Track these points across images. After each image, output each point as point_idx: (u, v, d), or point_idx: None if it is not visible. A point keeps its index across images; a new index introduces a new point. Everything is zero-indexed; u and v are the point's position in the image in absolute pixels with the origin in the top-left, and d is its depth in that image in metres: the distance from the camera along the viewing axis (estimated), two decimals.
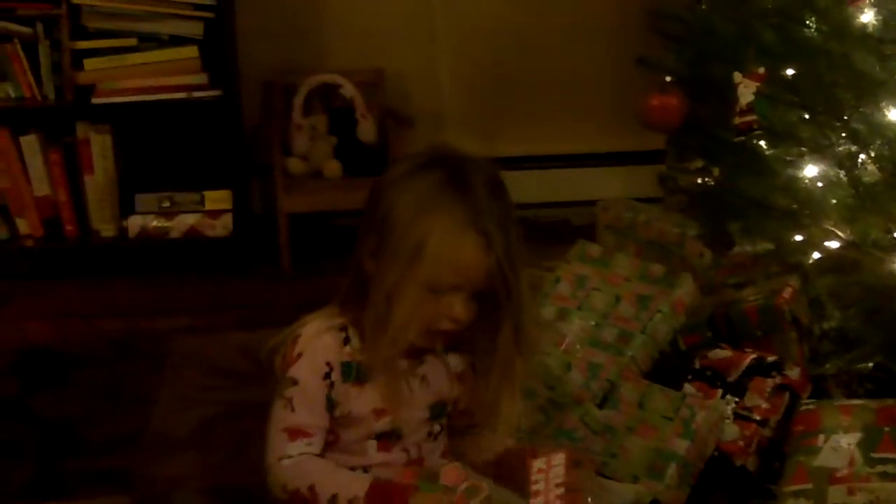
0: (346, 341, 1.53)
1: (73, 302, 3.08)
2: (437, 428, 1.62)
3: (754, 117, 1.92)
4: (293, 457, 1.51)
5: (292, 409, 1.52)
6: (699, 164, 2.30)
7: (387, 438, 1.57)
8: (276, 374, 1.56)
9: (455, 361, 1.62)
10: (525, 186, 3.50)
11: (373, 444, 1.56)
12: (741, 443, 1.98)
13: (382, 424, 1.55)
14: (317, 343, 1.53)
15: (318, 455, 1.53)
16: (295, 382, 1.52)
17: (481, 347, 1.57)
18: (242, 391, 2.47)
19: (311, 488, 1.48)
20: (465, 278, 1.48)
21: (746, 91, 1.89)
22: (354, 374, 1.53)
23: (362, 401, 1.54)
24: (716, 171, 2.23)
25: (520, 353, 1.56)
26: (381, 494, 1.46)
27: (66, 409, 2.47)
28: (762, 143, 2.01)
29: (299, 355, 1.53)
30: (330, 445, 1.56)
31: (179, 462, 2.24)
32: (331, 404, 1.53)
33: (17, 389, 2.57)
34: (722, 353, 2.11)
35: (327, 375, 1.52)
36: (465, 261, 1.47)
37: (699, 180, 2.29)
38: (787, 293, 2.16)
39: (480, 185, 1.48)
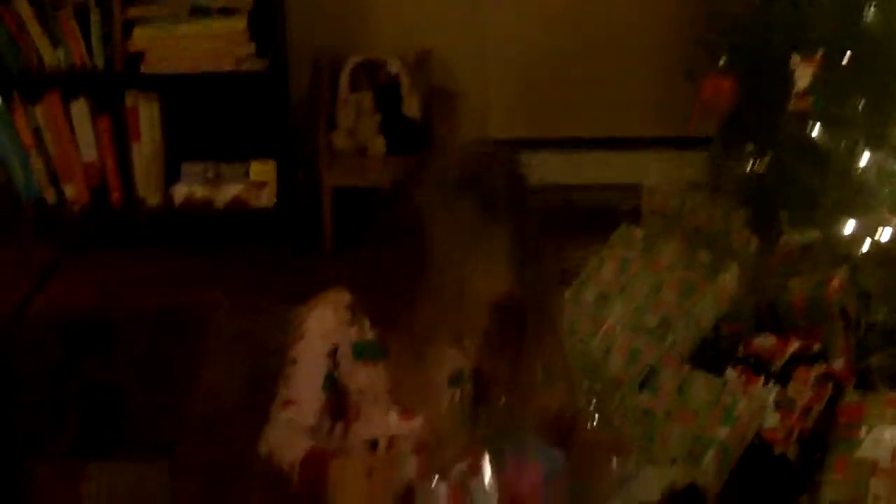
0: (354, 320, 1.59)
1: (119, 270, 3.10)
2: (457, 395, 1.65)
3: (810, 102, 1.90)
4: (276, 425, 1.57)
5: (288, 386, 1.58)
6: (750, 148, 2.27)
7: (407, 408, 1.61)
8: None
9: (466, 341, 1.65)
10: (569, 169, 3.49)
11: (395, 414, 1.60)
12: (782, 431, 1.96)
13: (402, 396, 1.60)
14: (321, 324, 1.59)
15: (305, 427, 1.57)
16: (294, 361, 1.58)
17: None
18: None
19: (272, 454, 1.54)
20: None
21: (803, 75, 1.86)
22: (368, 351, 1.59)
23: (377, 376, 1.59)
24: (768, 157, 2.20)
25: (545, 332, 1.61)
26: (312, 460, 1.51)
27: (111, 376, 2.50)
28: (816, 129, 1.98)
29: (301, 336, 1.59)
30: (353, 420, 1.60)
31: (221, 432, 2.26)
32: (331, 383, 1.58)
33: (64, 355, 2.60)
34: (766, 340, 2.10)
35: (331, 354, 1.58)
36: (502, 288, 1.55)
37: (750, 166, 2.26)
38: (836, 284, 2.14)
39: (509, 207, 1.53)
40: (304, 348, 1.59)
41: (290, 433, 1.56)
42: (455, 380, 1.65)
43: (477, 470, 1.46)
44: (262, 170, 3.29)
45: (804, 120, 1.90)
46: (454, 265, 1.50)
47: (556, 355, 1.65)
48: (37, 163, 3.24)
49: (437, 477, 1.45)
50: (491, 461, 1.47)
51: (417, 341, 1.56)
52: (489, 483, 1.45)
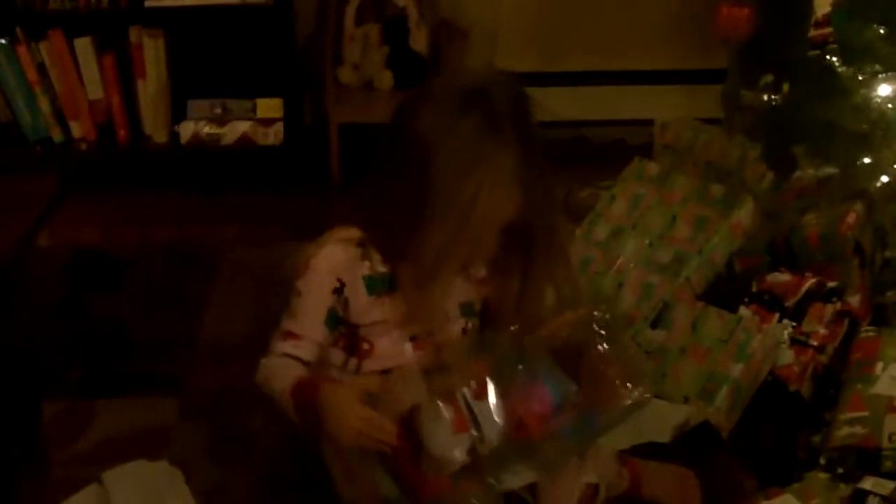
0: (364, 256, 1.59)
1: (126, 206, 3.10)
2: (469, 325, 1.66)
3: (830, 30, 1.84)
4: (274, 355, 1.59)
5: (291, 318, 1.59)
6: (768, 79, 2.21)
7: (420, 338, 1.62)
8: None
9: (473, 269, 1.66)
10: (580, 103, 3.44)
11: (409, 345, 1.61)
12: (796, 368, 1.94)
13: (415, 327, 1.62)
14: (329, 260, 1.59)
15: (303, 361, 1.58)
16: (299, 294, 1.59)
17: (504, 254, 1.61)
18: None
19: (267, 383, 1.57)
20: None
21: (824, 2, 1.81)
22: (380, 284, 1.59)
23: (390, 309, 1.59)
24: (785, 88, 2.15)
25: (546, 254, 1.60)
26: (302, 387, 1.52)
27: (118, 311, 2.50)
28: (836, 59, 1.93)
29: (307, 268, 1.59)
30: (366, 354, 1.61)
31: (229, 369, 2.25)
32: (334, 319, 1.59)
33: (71, 291, 2.60)
34: (781, 276, 2.07)
35: (337, 291, 1.58)
36: (509, 210, 1.54)
37: (766, 97, 2.21)
38: (851, 219, 2.10)
39: (514, 126, 1.51)
40: (309, 282, 1.59)
41: (284, 365, 1.56)
42: (465, 310, 1.65)
43: (481, 393, 1.45)
44: (270, 107, 3.25)
45: (823, 49, 1.85)
46: (460, 189, 1.49)
47: (565, 279, 1.63)
48: (42, 101, 3.21)
49: (441, 399, 1.43)
50: (497, 386, 1.45)
51: (426, 268, 1.54)
52: (493, 406, 1.44)
